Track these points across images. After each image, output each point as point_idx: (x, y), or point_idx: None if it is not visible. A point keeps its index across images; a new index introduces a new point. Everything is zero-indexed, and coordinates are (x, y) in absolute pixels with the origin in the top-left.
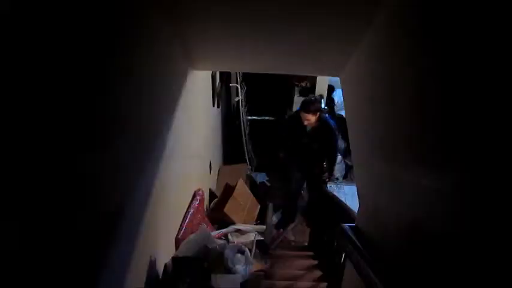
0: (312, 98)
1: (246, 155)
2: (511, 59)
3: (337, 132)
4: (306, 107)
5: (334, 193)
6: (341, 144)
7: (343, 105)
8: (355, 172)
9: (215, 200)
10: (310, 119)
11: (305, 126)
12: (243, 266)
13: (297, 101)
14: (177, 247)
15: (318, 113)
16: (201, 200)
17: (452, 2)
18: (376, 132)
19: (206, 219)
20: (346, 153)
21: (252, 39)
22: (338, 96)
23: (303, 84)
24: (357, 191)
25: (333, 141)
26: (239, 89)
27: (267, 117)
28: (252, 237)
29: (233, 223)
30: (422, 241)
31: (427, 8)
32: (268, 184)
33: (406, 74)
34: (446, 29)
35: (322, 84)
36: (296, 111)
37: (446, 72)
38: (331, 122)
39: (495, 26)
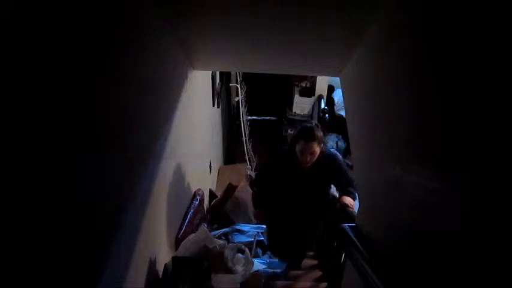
0: (311, 125)
1: (246, 155)
2: (508, 59)
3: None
4: (310, 134)
5: (335, 193)
6: (341, 145)
7: (343, 105)
8: (355, 172)
9: (215, 199)
10: (316, 151)
11: (300, 167)
12: (243, 266)
13: (297, 101)
14: (177, 247)
15: (322, 145)
16: (201, 200)
17: (452, 2)
18: (376, 132)
19: (206, 219)
20: (346, 153)
21: (252, 40)
22: (338, 96)
23: (303, 84)
24: (357, 191)
25: (343, 172)
26: (239, 89)
27: (267, 117)
28: (252, 237)
29: (233, 223)
30: (422, 241)
31: (427, 9)
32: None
33: (406, 74)
34: (446, 30)
35: (322, 84)
36: (287, 149)
37: (446, 73)
38: (334, 152)
39: (494, 27)
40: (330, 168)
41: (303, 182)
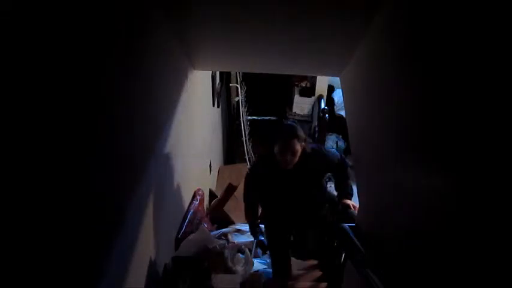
0: (292, 123)
1: (246, 155)
2: (506, 62)
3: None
4: (293, 132)
5: (334, 193)
6: (341, 145)
7: (343, 105)
8: (355, 172)
9: (215, 199)
10: (297, 149)
11: (280, 169)
12: (243, 266)
13: (297, 101)
14: (177, 247)
15: (303, 143)
16: (201, 200)
17: (452, 3)
18: (376, 132)
19: (206, 219)
20: (346, 153)
21: (252, 39)
22: (338, 96)
23: (303, 84)
24: (357, 191)
25: (336, 162)
26: (239, 89)
27: (267, 117)
28: (252, 237)
29: (233, 223)
30: (422, 241)
31: (426, 10)
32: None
33: (406, 75)
34: (445, 30)
35: (322, 84)
36: (265, 153)
37: (446, 73)
38: (318, 147)
39: (490, 29)
40: (319, 164)
41: (290, 183)
